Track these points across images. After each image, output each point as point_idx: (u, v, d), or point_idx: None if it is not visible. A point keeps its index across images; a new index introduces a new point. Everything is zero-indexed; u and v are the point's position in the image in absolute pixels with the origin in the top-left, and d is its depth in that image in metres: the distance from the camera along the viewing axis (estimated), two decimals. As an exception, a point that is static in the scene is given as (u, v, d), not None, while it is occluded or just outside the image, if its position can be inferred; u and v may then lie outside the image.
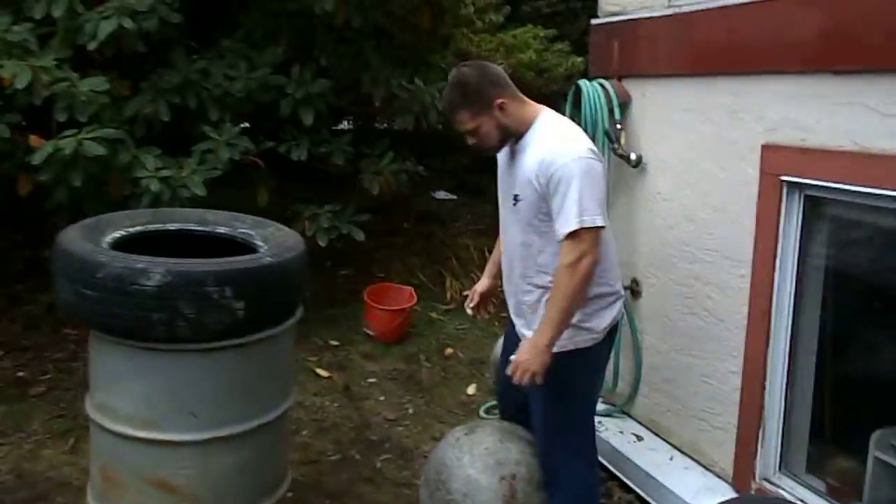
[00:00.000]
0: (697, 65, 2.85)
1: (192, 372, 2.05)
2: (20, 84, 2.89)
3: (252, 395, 2.16)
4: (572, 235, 2.08)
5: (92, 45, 3.10)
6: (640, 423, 3.26)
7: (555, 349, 2.23)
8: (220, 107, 3.44)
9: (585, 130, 3.18)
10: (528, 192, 2.20)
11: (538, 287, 2.28)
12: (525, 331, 2.34)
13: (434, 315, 4.81)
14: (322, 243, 4.02)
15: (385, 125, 4.40)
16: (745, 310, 2.67)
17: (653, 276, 3.13)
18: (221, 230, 2.42)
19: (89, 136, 2.99)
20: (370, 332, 4.39)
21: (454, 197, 6.76)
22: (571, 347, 2.29)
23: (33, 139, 3.00)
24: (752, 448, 2.69)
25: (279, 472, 2.35)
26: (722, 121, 2.72)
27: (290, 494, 2.90)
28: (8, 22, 3.13)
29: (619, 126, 3.12)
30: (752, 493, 2.69)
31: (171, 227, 2.40)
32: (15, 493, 2.76)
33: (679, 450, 3.05)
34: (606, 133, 3.12)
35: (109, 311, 1.94)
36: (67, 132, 3.01)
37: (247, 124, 4.05)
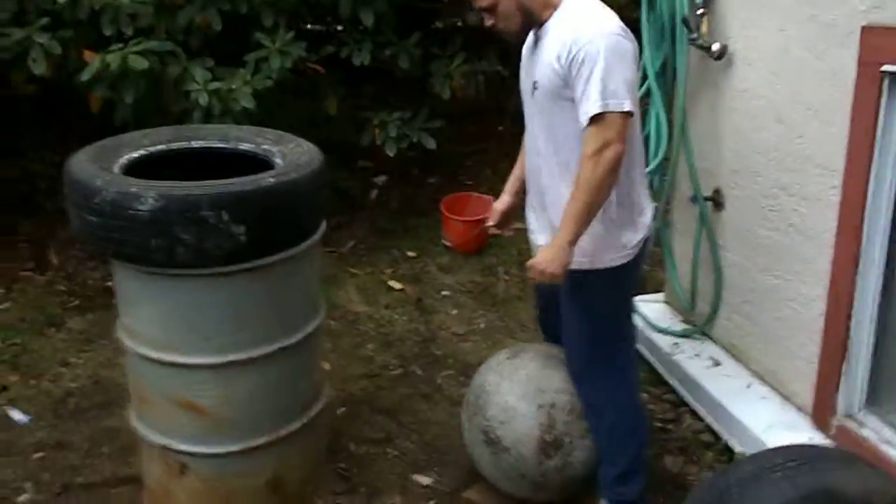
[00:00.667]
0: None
1: (198, 297, 2.01)
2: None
3: (268, 319, 2.11)
4: (596, 120, 1.88)
5: (134, -48, 3.01)
6: (719, 345, 2.97)
7: (579, 266, 2.04)
8: (273, 11, 3.29)
9: (662, 20, 2.79)
10: (549, 77, 1.97)
11: (565, 195, 2.03)
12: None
13: (519, 224, 4.58)
14: (390, 153, 3.88)
15: (460, 23, 4.09)
16: (834, 226, 2.28)
17: (737, 185, 2.75)
18: (244, 147, 2.33)
19: (135, 49, 2.95)
20: (448, 244, 4.26)
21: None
22: (599, 266, 2.09)
23: (87, 54, 3.00)
24: (834, 382, 2.37)
25: (311, 392, 2.33)
26: (819, -1, 2.25)
27: (343, 409, 2.94)
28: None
29: (700, 11, 2.68)
30: (833, 430, 2.39)
31: (194, 145, 2.33)
32: (92, 397, 2.95)
33: (759, 377, 2.76)
34: (684, 20, 2.69)
35: (109, 236, 1.92)
36: (114, 46, 2.98)
37: (314, 26, 3.87)
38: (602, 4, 2.04)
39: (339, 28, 3.82)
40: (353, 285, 3.90)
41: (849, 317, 2.26)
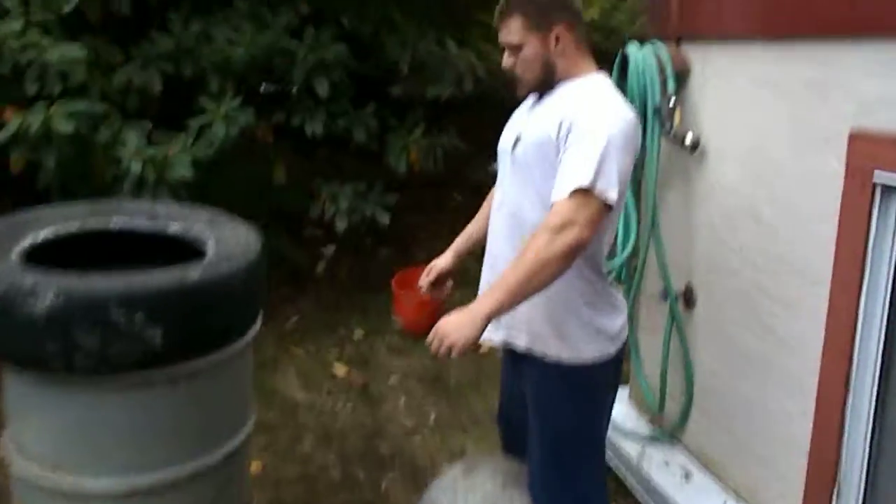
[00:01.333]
0: (775, 25, 2.24)
1: (99, 409, 1.70)
2: (-19, 55, 2.60)
3: (184, 435, 1.81)
4: (575, 195, 1.63)
5: (67, 8, 2.76)
6: (690, 453, 2.74)
7: (554, 357, 1.82)
8: (220, 76, 3.06)
9: (632, 105, 2.64)
10: (539, 135, 1.77)
11: None
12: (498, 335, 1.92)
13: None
14: (340, 226, 3.63)
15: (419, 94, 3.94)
16: (820, 338, 2.10)
17: (710, 283, 2.57)
18: (173, 228, 2.05)
19: (63, 109, 2.67)
20: (398, 322, 4.00)
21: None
22: (578, 359, 1.85)
23: (8, 112, 2.71)
24: (822, 509, 2.14)
25: (233, 517, 2.00)
26: (802, 97, 2.12)
27: (274, 521, 2.61)
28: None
29: (672, 102, 2.54)
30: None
31: (114, 224, 2.05)
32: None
33: (736, 492, 2.52)
34: (657, 110, 2.55)
35: (-2, 337, 1.60)
36: (39, 105, 2.69)
37: (268, 88, 3.65)
38: (622, 98, 1.87)
39: (291, 91, 3.62)
40: (294, 369, 3.59)
41: (839, 441, 2.06)
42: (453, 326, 1.63)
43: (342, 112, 3.48)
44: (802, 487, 2.21)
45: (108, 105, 2.88)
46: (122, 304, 1.59)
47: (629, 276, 2.84)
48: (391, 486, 2.85)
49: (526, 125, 1.87)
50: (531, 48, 1.82)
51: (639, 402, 3.01)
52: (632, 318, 2.89)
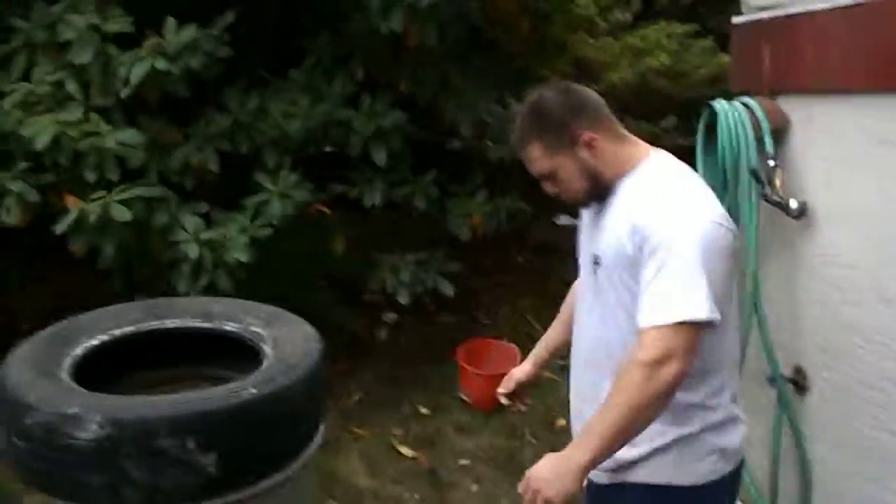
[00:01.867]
0: (890, 75, 1.99)
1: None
2: (40, 144, 2.53)
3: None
4: (656, 330, 1.45)
5: (125, 93, 2.69)
6: (808, 560, 2.41)
7: (652, 479, 1.58)
8: (277, 151, 2.95)
9: (723, 169, 2.40)
10: (615, 255, 1.55)
11: None
12: None
13: (546, 374, 4.09)
14: (403, 301, 3.45)
15: (480, 156, 3.78)
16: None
17: (826, 368, 2.27)
18: (229, 327, 1.88)
19: (120, 196, 2.58)
20: (466, 398, 3.76)
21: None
22: (683, 481, 1.60)
23: (68, 199, 2.64)
24: None
25: None
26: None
27: None
28: (46, 70, 2.79)
29: (771, 162, 2.29)
30: None
31: (169, 324, 1.89)
32: None
33: None
34: (753, 172, 2.30)
35: (39, 467, 1.44)
36: (98, 193, 2.62)
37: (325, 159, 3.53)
38: (692, 174, 1.63)
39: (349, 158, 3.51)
40: (357, 452, 3.38)
41: None
42: (547, 476, 1.45)
43: (402, 180, 3.33)
44: None
45: (165, 188, 2.79)
46: (172, 430, 1.42)
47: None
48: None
49: (600, 241, 1.63)
50: (565, 169, 1.61)
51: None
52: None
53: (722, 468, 1.63)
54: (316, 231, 3.48)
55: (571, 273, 5.05)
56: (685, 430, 1.59)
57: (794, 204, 2.25)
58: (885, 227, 2.01)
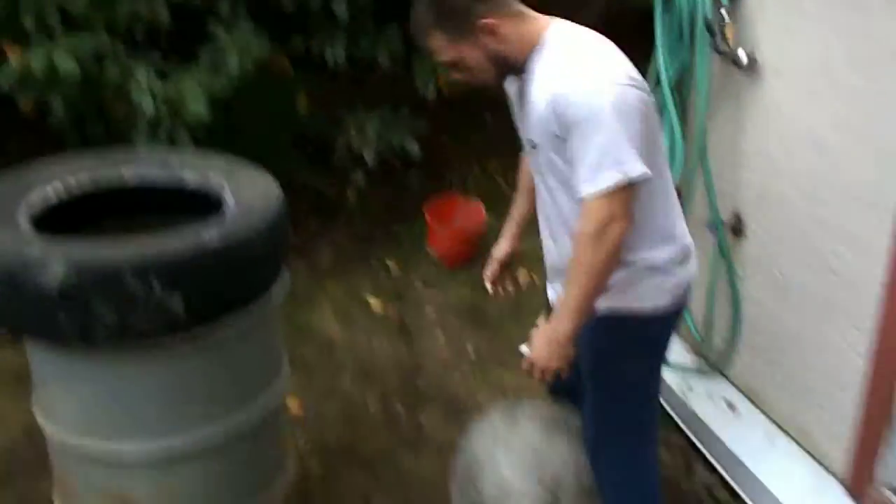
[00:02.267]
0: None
1: (123, 379, 1.66)
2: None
3: (215, 398, 1.77)
4: (599, 194, 1.54)
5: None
6: (735, 386, 2.65)
7: (614, 309, 1.73)
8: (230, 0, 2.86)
9: (679, 22, 2.42)
10: (545, 137, 1.61)
11: None
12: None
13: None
14: (369, 160, 3.50)
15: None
16: (882, 275, 1.95)
17: (762, 214, 2.40)
18: (189, 178, 1.95)
19: (64, 45, 2.50)
20: (433, 254, 3.91)
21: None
22: (639, 309, 1.75)
23: (9, 49, 2.54)
24: (874, 449, 2.05)
25: (270, 472, 1.99)
26: (878, 7, 1.88)
27: (315, 462, 2.61)
28: None
29: (725, 14, 2.30)
30: (869, 501, 2.08)
31: (126, 174, 1.95)
32: (23, 455, 2.58)
33: (782, 429, 2.45)
34: (707, 23, 2.32)
35: (9, 309, 1.55)
36: (38, 43, 2.53)
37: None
38: (600, 39, 1.64)
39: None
40: (329, 306, 3.55)
41: (899, 382, 1.95)
42: (545, 352, 1.68)
43: (364, 33, 3.26)
44: (852, 424, 2.12)
45: (114, 38, 2.71)
46: (138, 272, 1.52)
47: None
48: (430, 423, 2.83)
49: (530, 125, 1.67)
50: (471, 58, 1.60)
51: (683, 333, 2.90)
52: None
53: (669, 300, 1.78)
54: (279, 90, 3.47)
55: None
56: (635, 269, 1.73)
57: (743, 56, 2.29)
58: (822, 80, 2.07)
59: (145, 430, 1.70)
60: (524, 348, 1.77)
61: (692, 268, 1.86)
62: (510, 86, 1.76)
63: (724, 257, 2.52)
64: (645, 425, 1.94)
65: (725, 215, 2.51)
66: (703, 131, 2.44)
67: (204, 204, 1.87)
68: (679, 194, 1.95)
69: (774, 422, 2.48)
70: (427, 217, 3.88)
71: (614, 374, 1.85)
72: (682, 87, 2.51)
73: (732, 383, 2.67)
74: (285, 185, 1.91)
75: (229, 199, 1.83)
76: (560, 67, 1.56)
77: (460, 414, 2.87)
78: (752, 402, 2.58)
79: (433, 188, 4.51)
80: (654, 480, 1.98)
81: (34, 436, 2.59)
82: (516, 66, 1.63)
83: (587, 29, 1.67)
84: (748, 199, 2.43)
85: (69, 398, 1.70)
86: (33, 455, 2.54)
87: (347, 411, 2.87)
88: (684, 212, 2.58)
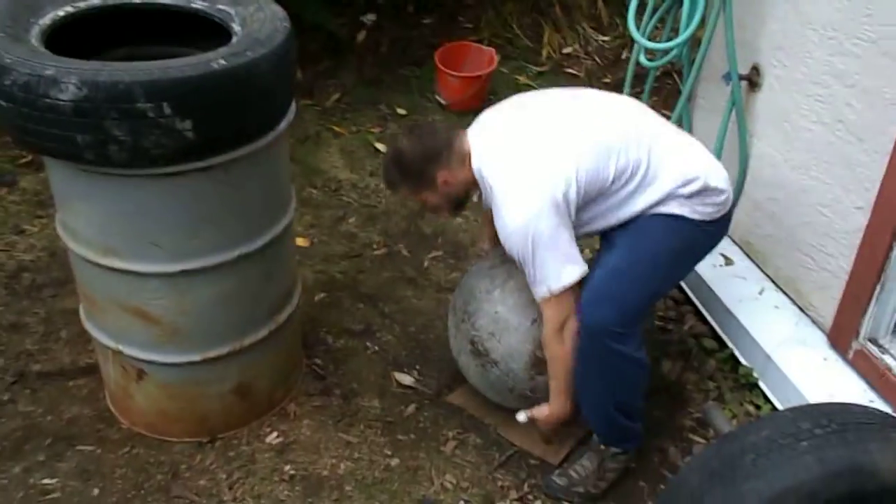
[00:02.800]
0: None
1: (140, 199, 1.71)
2: None
3: (226, 223, 1.83)
4: (546, 302, 1.90)
5: None
6: (734, 242, 2.71)
7: (672, 209, 1.92)
8: None
9: None
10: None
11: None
12: None
13: (521, 79, 4.17)
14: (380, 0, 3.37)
15: None
16: (894, 131, 1.95)
17: (779, 64, 2.35)
18: (196, 5, 1.91)
19: None
20: (442, 101, 3.86)
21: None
22: (694, 215, 1.93)
23: None
24: (862, 303, 2.14)
25: (280, 296, 2.09)
26: None
27: (322, 295, 2.73)
28: None
29: None
30: (851, 353, 2.20)
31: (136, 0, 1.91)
32: (48, 272, 2.72)
33: (774, 283, 2.53)
34: None
35: (25, 126, 1.57)
36: None
37: None
38: (518, 162, 1.87)
39: None
40: (337, 147, 3.56)
41: (893, 236, 1.99)
42: (556, 416, 2.05)
43: None
44: (844, 281, 2.19)
45: None
46: (149, 95, 1.52)
47: (690, 54, 2.62)
48: (433, 264, 2.93)
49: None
50: (431, 201, 2.01)
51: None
52: (690, 98, 2.72)
53: (712, 215, 1.96)
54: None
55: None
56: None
57: None
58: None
59: (161, 250, 1.78)
60: (521, 417, 2.08)
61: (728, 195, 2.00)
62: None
63: (737, 111, 2.49)
64: (643, 305, 1.99)
65: (745, 67, 2.46)
66: (728, -23, 2.34)
67: (212, 32, 1.85)
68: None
69: (767, 275, 2.56)
70: (437, 62, 3.79)
71: (660, 260, 1.96)
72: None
73: (730, 237, 2.73)
74: (296, 24, 1.88)
75: (237, 28, 1.80)
76: (494, 203, 1.88)
77: (461, 256, 2.97)
78: (748, 255, 2.65)
79: (444, 32, 4.38)
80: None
81: (57, 253, 2.74)
82: (468, 197, 2.04)
83: (505, 136, 1.92)
84: (767, 49, 2.38)
85: (89, 218, 1.76)
86: (58, 270, 2.69)
87: (353, 250, 2.96)
88: (700, 65, 2.54)
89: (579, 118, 1.92)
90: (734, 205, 2.61)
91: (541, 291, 1.88)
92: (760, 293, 2.51)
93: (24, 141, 1.66)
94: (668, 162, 1.90)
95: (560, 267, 1.85)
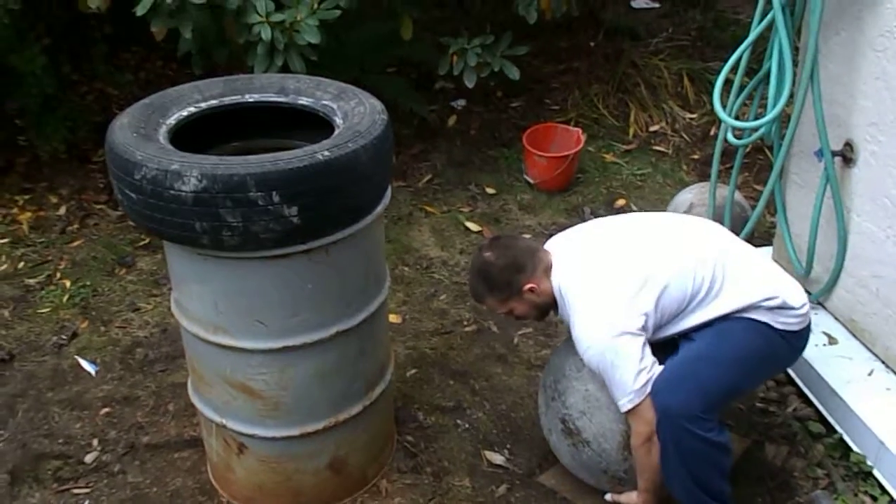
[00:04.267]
0: None
1: (249, 280, 1.83)
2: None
3: (326, 302, 1.93)
4: (630, 414, 1.94)
5: None
6: (836, 320, 2.62)
7: (760, 315, 1.98)
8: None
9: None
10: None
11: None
12: None
13: (609, 157, 4.22)
14: (469, 83, 3.54)
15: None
16: None
17: (874, 141, 2.32)
18: (303, 101, 2.07)
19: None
20: (530, 180, 3.95)
21: (656, 5, 5.71)
22: (776, 324, 1.98)
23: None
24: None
25: (374, 372, 2.16)
26: None
27: (413, 371, 2.79)
28: None
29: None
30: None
31: (248, 99, 2.10)
32: (160, 347, 2.90)
33: (883, 362, 2.42)
34: (827, -63, 2.21)
35: (152, 216, 1.73)
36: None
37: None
38: (596, 279, 1.97)
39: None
40: (428, 226, 3.68)
41: None
42: None
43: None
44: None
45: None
46: (260, 184, 1.66)
47: (780, 130, 2.61)
48: (522, 340, 2.95)
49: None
50: (518, 309, 2.08)
51: (783, 264, 2.86)
52: (782, 174, 2.69)
53: (802, 320, 2.02)
54: (384, 15, 3.53)
55: (642, 57, 4.94)
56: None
57: (864, -29, 2.17)
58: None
59: (265, 327, 1.89)
60: (608, 498, 2.15)
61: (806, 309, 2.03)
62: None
63: (832, 187, 2.45)
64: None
65: (838, 143, 2.43)
66: (816, 53, 2.34)
67: (318, 124, 2.00)
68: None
69: (876, 355, 2.45)
70: (524, 143, 3.90)
71: (741, 361, 1.97)
72: (794, 8, 2.41)
73: (833, 315, 2.63)
74: (390, 110, 2.01)
75: (340, 121, 1.94)
76: (572, 319, 1.98)
77: (551, 336, 2.97)
78: (853, 334, 2.54)
79: (532, 114, 4.52)
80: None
81: (168, 330, 2.93)
82: (552, 304, 2.07)
83: (583, 255, 2.03)
84: (861, 125, 2.34)
85: (202, 297, 1.90)
86: (168, 346, 2.86)
87: (443, 326, 3.02)
88: (790, 140, 2.53)
89: (655, 240, 2.03)
90: (835, 282, 2.56)
91: (624, 404, 1.92)
92: (870, 374, 2.40)
93: (147, 227, 1.82)
94: (744, 273, 1.98)
95: (639, 379, 1.89)
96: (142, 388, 2.71)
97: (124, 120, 1.88)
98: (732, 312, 1.95)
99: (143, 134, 1.82)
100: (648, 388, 1.90)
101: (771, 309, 1.95)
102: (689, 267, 1.94)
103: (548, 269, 2.03)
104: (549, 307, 2.08)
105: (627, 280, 1.92)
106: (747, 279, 1.97)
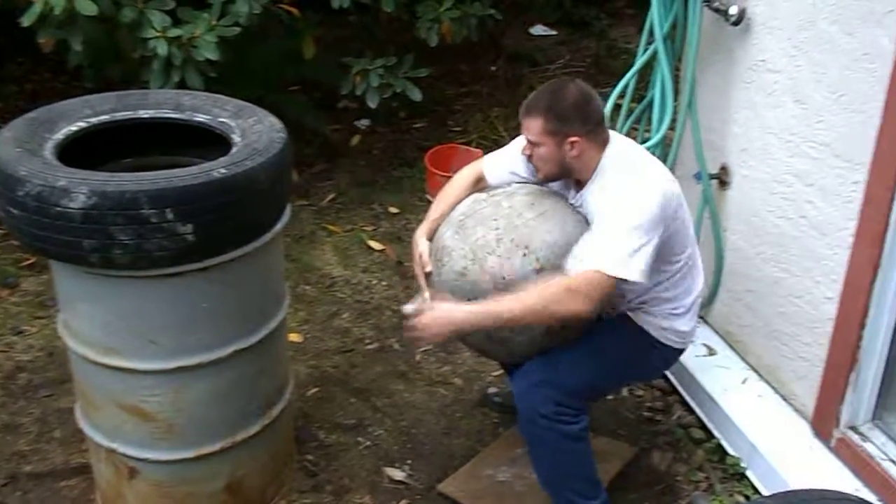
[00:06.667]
0: None
1: (140, 299, 1.80)
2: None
3: (222, 321, 1.91)
4: (597, 272, 1.79)
5: None
6: (715, 332, 2.80)
7: (649, 327, 2.05)
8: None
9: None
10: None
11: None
12: None
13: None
14: (372, 104, 3.58)
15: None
16: (853, 225, 2.07)
17: (746, 165, 2.51)
18: (199, 118, 2.05)
19: (83, -11, 2.61)
20: (432, 199, 4.01)
21: (554, 33, 5.95)
22: (661, 338, 2.06)
23: (31, -9, 2.65)
24: (839, 390, 2.20)
25: (272, 391, 2.14)
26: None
27: (314, 390, 2.78)
28: None
29: (717, -33, 2.37)
30: (834, 441, 2.24)
31: (142, 115, 2.06)
32: (44, 372, 2.76)
33: (756, 372, 2.60)
34: (700, -22, 2.39)
35: (36, 233, 1.68)
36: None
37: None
38: (645, 157, 2.00)
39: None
40: (331, 245, 3.68)
41: (862, 325, 2.08)
42: (436, 323, 1.83)
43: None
44: (822, 368, 2.26)
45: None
46: (154, 202, 1.64)
47: (663, 156, 2.78)
48: (424, 357, 2.99)
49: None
50: (547, 149, 1.90)
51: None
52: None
53: (672, 343, 2.10)
54: (286, 33, 3.53)
55: (540, 82, 5.12)
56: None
57: (733, 10, 2.36)
58: (806, 34, 2.15)
59: (159, 349, 1.85)
60: (408, 308, 1.92)
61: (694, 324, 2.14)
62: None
63: (710, 208, 2.63)
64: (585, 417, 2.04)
65: (714, 167, 2.61)
66: (693, 84, 2.53)
67: (214, 143, 1.99)
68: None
69: (749, 365, 2.63)
70: (427, 163, 3.97)
71: (611, 363, 2.06)
72: (674, 41, 2.59)
73: (712, 327, 2.81)
74: (292, 129, 2.02)
75: (237, 138, 1.94)
76: (612, 177, 1.91)
77: (452, 353, 3.03)
78: (729, 345, 2.72)
79: (434, 135, 4.60)
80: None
81: (55, 354, 2.79)
82: (573, 178, 1.98)
83: (633, 145, 2.03)
84: (734, 151, 2.53)
85: (92, 318, 1.84)
86: (54, 371, 2.73)
87: (345, 345, 3.02)
88: (672, 166, 2.71)
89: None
90: (714, 296, 2.74)
91: (598, 261, 1.78)
92: (743, 382, 2.57)
93: (32, 246, 1.76)
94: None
95: (628, 259, 1.78)
96: (25, 414, 2.57)
97: (7, 134, 1.81)
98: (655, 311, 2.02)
99: (28, 149, 1.77)
100: (622, 274, 1.78)
101: (684, 313, 2.06)
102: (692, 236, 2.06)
103: (604, 143, 1.93)
104: (568, 173, 1.95)
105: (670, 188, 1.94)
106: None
